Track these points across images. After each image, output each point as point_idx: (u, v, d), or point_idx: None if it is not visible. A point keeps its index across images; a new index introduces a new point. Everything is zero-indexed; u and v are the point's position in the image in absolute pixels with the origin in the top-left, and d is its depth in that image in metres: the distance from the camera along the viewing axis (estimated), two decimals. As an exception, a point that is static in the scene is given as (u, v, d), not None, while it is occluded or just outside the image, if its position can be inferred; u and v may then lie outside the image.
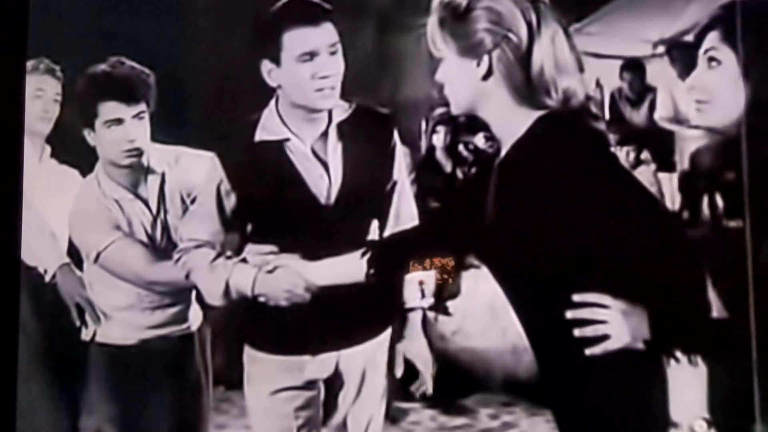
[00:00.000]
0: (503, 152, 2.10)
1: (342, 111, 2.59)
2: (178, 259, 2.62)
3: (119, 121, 2.66)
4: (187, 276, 2.61)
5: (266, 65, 2.55)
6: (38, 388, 2.64)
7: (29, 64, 2.72)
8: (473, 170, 2.71)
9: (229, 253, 2.60)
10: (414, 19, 2.23)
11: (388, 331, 2.62)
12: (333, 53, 2.53)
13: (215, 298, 2.58)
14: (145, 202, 2.71)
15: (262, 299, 2.55)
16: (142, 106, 2.68)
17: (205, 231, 2.60)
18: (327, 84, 2.53)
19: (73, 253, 2.71)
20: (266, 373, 2.59)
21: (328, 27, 2.53)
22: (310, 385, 2.59)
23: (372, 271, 2.41)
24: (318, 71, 2.52)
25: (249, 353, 2.62)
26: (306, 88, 2.52)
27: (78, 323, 2.70)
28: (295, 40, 2.51)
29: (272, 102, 2.59)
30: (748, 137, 2.54)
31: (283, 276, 2.54)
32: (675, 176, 2.69)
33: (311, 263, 2.53)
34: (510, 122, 2.09)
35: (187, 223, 2.66)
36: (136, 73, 2.68)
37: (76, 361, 2.69)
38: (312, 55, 2.51)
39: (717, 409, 2.38)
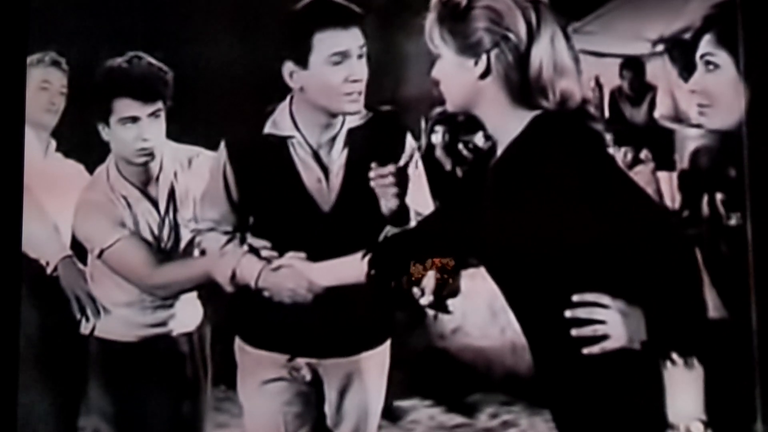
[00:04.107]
0: (499, 152, 2.10)
1: (357, 117, 2.58)
2: (194, 237, 2.67)
3: (134, 119, 2.65)
4: (203, 253, 2.65)
5: (288, 66, 2.54)
6: (37, 382, 2.64)
7: (35, 56, 2.71)
8: (471, 169, 2.71)
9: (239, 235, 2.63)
10: (413, 16, 2.23)
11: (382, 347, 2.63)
12: (360, 57, 2.53)
13: (224, 283, 2.60)
14: (154, 202, 2.71)
15: (266, 294, 2.57)
16: (159, 105, 2.66)
17: (215, 211, 2.63)
18: (356, 88, 2.53)
19: (77, 246, 2.71)
20: (253, 364, 2.62)
21: (355, 30, 2.53)
22: (296, 375, 2.61)
23: (373, 271, 2.41)
24: (350, 74, 2.52)
25: (238, 344, 2.65)
26: (335, 91, 2.52)
27: (78, 316, 2.70)
28: (327, 41, 2.51)
29: (288, 99, 2.59)
30: (749, 136, 2.53)
31: (287, 275, 2.55)
32: (675, 175, 2.68)
33: (313, 264, 2.54)
34: (506, 122, 2.09)
35: (200, 203, 2.67)
36: (154, 71, 2.66)
37: (75, 356, 2.69)
38: (344, 56, 2.51)
39: (714, 410, 2.37)
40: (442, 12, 2.10)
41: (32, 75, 2.71)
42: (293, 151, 2.57)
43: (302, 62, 2.52)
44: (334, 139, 2.58)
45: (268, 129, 2.59)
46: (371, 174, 2.50)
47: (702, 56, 2.47)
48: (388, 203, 2.51)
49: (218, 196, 2.62)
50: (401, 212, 2.53)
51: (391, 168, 2.50)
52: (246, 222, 2.62)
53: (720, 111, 2.48)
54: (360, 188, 2.54)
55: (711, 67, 2.47)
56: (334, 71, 2.51)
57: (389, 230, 2.55)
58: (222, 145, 2.61)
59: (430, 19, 2.12)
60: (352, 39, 2.52)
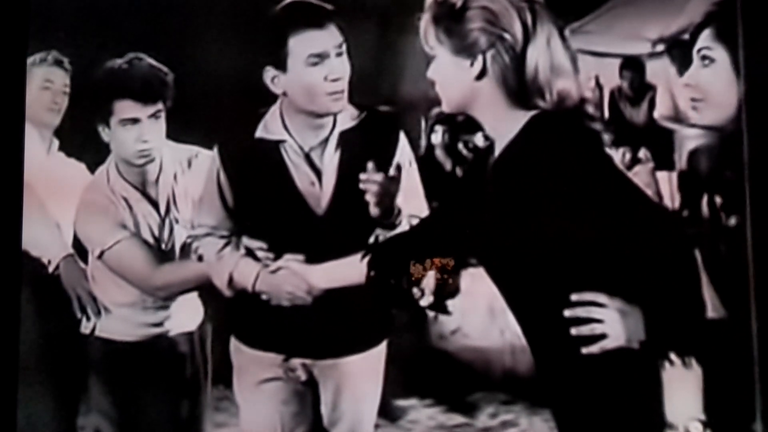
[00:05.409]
0: (497, 152, 2.10)
1: (349, 118, 2.58)
2: (191, 243, 2.66)
3: (135, 121, 2.65)
4: (200, 259, 2.64)
5: (269, 72, 2.54)
6: (37, 381, 2.64)
7: (37, 56, 2.71)
8: (470, 170, 2.71)
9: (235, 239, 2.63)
10: (410, 16, 2.23)
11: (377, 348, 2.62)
12: (339, 55, 2.53)
13: (222, 287, 2.60)
14: (154, 204, 2.71)
15: (264, 297, 2.57)
16: (159, 106, 2.66)
17: (210, 217, 2.62)
18: (338, 87, 2.52)
19: (79, 244, 2.72)
20: (249, 364, 2.62)
21: (332, 29, 2.53)
22: (291, 375, 2.61)
23: (373, 272, 2.41)
24: (329, 73, 2.51)
25: (234, 344, 2.65)
26: (317, 92, 2.52)
27: (79, 315, 2.71)
28: (303, 43, 2.50)
29: (278, 102, 2.58)
30: (748, 135, 2.53)
31: (286, 277, 2.55)
32: (674, 175, 2.68)
33: (312, 266, 2.54)
34: (503, 122, 2.09)
35: (196, 209, 2.67)
36: (154, 72, 2.66)
37: (75, 355, 2.69)
38: (322, 57, 2.50)
39: (713, 410, 2.37)
40: (438, 12, 2.10)
41: (35, 74, 2.71)
42: (285, 155, 2.57)
43: (281, 66, 2.52)
44: (326, 141, 2.58)
45: (259, 133, 2.59)
46: (361, 176, 2.50)
47: (699, 50, 2.47)
48: (373, 208, 2.51)
49: (213, 202, 2.61)
50: (386, 218, 2.52)
51: (379, 177, 2.50)
52: (242, 226, 2.62)
53: (712, 106, 2.48)
54: (353, 190, 2.53)
55: (707, 61, 2.47)
56: (312, 72, 2.51)
57: (379, 233, 2.56)
58: (215, 150, 2.61)
59: (426, 20, 2.12)
60: (328, 38, 2.51)
